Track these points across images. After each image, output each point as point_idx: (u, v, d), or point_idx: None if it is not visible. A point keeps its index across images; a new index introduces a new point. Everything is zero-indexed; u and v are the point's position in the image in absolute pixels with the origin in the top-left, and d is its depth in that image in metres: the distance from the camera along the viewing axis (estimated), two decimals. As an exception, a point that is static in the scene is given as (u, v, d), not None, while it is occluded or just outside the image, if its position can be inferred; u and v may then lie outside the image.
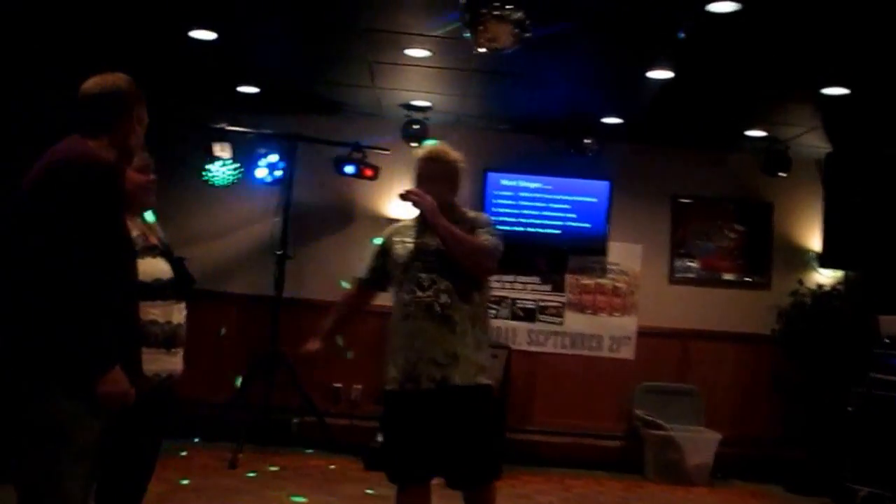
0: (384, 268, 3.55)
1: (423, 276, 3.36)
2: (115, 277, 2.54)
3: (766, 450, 6.73)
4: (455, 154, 3.53)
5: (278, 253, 6.58)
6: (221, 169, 6.54)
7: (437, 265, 3.36)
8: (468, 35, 3.60)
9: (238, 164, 6.58)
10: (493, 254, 3.43)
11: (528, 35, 3.60)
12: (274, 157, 6.61)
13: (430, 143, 3.59)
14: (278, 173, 6.64)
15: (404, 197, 3.42)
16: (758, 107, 5.99)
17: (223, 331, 6.90)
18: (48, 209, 2.43)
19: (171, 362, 3.18)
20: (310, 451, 6.55)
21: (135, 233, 3.07)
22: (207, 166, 6.53)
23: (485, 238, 3.41)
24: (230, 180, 6.61)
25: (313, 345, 3.62)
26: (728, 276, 7.20)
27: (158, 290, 3.10)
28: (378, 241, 3.68)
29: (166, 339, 3.12)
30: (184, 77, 6.20)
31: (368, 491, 5.51)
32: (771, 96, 5.67)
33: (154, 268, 3.12)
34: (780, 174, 6.80)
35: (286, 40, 5.26)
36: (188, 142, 6.56)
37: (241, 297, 6.94)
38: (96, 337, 2.43)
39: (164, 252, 3.25)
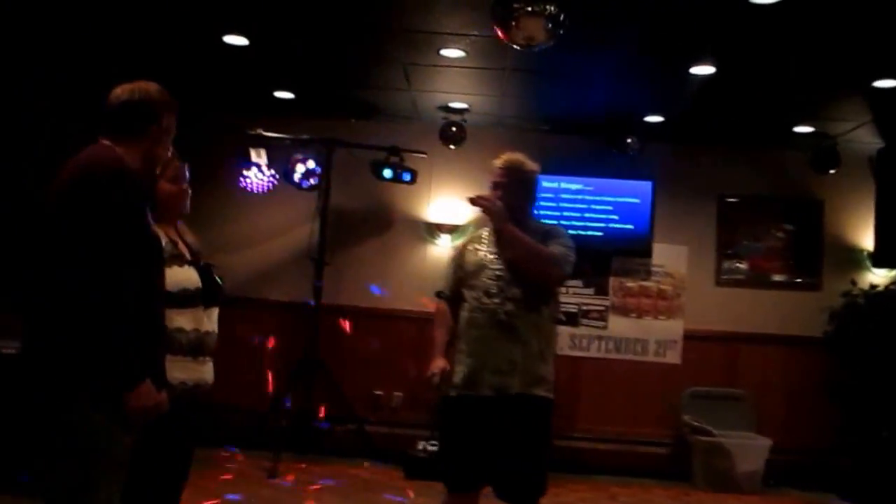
0: (460, 282, 3.55)
1: (492, 283, 3.39)
2: (140, 286, 2.48)
3: (819, 457, 6.49)
4: (532, 165, 3.54)
5: (315, 259, 6.55)
6: (258, 175, 6.53)
7: (506, 273, 3.38)
8: (500, 32, 3.51)
9: (275, 170, 6.55)
10: (561, 263, 3.41)
11: (561, 31, 3.49)
12: (311, 163, 6.56)
13: (508, 153, 3.56)
14: (315, 179, 6.60)
15: (473, 201, 3.44)
16: (805, 102, 5.79)
17: (256, 340, 6.88)
18: (72, 217, 2.39)
19: (199, 371, 3.13)
20: (350, 458, 6.50)
21: (163, 241, 3.04)
22: (245, 172, 6.52)
23: (554, 247, 3.40)
24: (267, 186, 6.60)
25: (439, 364, 3.47)
26: (777, 277, 6.99)
27: (184, 299, 3.05)
28: (453, 251, 3.75)
29: (193, 347, 3.07)
30: (220, 83, 6.21)
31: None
32: (819, 90, 5.48)
33: (180, 277, 3.07)
34: (830, 171, 6.61)
35: (319, 44, 5.21)
36: (225, 148, 6.58)
37: (280, 305, 6.91)
38: (123, 351, 2.38)
39: (193, 261, 3.21)
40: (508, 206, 3.41)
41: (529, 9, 3.41)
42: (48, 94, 6.09)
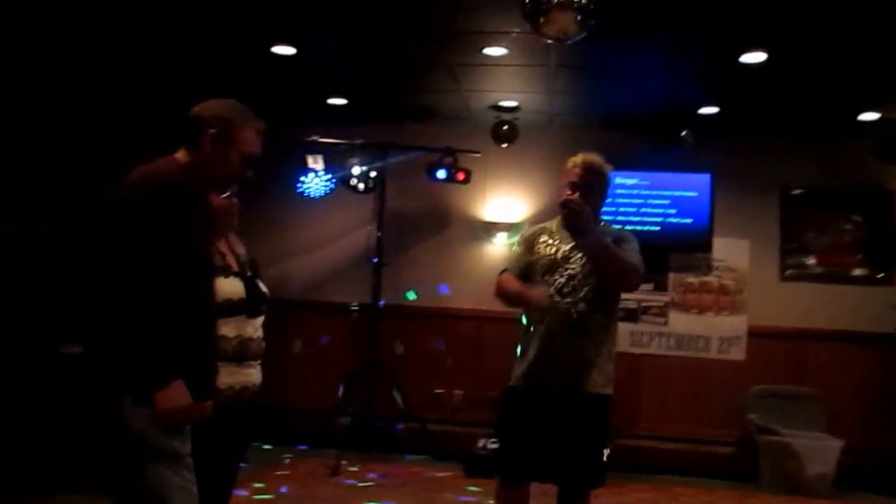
0: (528, 266, 3.54)
1: (564, 281, 3.41)
2: (185, 298, 2.56)
3: (895, 459, 6.23)
4: (608, 166, 3.55)
5: (374, 261, 6.63)
6: (315, 180, 6.67)
7: (580, 273, 3.41)
8: (532, 26, 3.48)
9: (331, 175, 6.66)
10: (640, 272, 3.44)
11: (593, 21, 3.43)
12: (366, 166, 6.65)
13: (584, 153, 3.53)
14: (371, 182, 6.68)
15: (565, 205, 3.39)
16: (871, 88, 5.54)
17: (298, 345, 6.99)
18: (120, 225, 2.48)
19: (244, 374, 3.25)
20: (411, 457, 6.55)
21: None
22: (302, 178, 6.67)
23: (631, 254, 3.43)
24: (325, 191, 6.72)
25: (539, 292, 3.41)
26: (846, 272, 6.72)
27: (228, 310, 3.17)
28: (516, 239, 3.74)
29: (236, 353, 3.21)
30: (272, 94, 6.33)
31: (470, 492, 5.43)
32: (884, 75, 5.23)
33: (225, 288, 3.19)
34: (900, 160, 6.32)
35: (364, 51, 5.27)
36: (282, 156, 6.68)
37: (341, 307, 7.00)
38: (153, 354, 2.46)
39: (239, 272, 3.32)
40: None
41: (557, 1, 3.36)
42: (101, 108, 6.34)
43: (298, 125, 6.70)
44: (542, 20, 3.45)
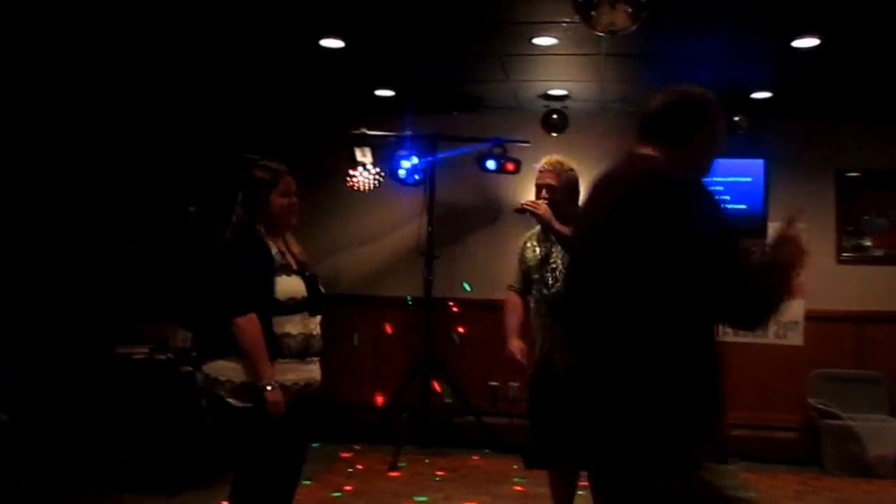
0: (524, 274, 3.96)
1: (549, 276, 3.79)
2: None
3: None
4: (571, 164, 3.91)
5: (425, 254, 6.64)
6: (364, 174, 6.63)
7: (561, 266, 3.73)
8: (582, 20, 3.45)
9: (380, 168, 6.65)
10: None
11: (645, 13, 3.40)
12: (415, 159, 6.63)
13: (548, 156, 3.98)
14: (420, 174, 6.67)
15: (521, 210, 3.81)
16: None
17: (356, 339, 7.02)
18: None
19: (307, 370, 3.29)
20: (469, 450, 6.56)
21: (273, 250, 3.23)
22: (351, 172, 6.64)
23: None
24: (374, 185, 6.71)
25: (516, 344, 3.91)
26: (906, 254, 6.59)
27: (292, 307, 3.22)
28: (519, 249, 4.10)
29: (300, 350, 3.24)
30: (320, 87, 6.34)
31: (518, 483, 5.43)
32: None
33: (288, 286, 3.24)
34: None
35: (413, 42, 5.26)
36: (331, 150, 6.74)
37: (394, 300, 7.03)
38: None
39: (299, 270, 3.35)
40: (555, 204, 3.73)
41: (610, -7, 3.34)
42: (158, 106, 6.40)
43: (345, 118, 6.69)
44: (593, 13, 3.43)
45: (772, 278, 2.23)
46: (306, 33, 5.06)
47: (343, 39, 5.15)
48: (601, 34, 3.62)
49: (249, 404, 3.08)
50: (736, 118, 6.23)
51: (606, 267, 2.16)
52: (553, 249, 3.81)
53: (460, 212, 7.07)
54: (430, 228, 6.67)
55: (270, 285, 3.16)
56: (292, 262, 3.36)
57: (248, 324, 3.08)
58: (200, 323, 4.40)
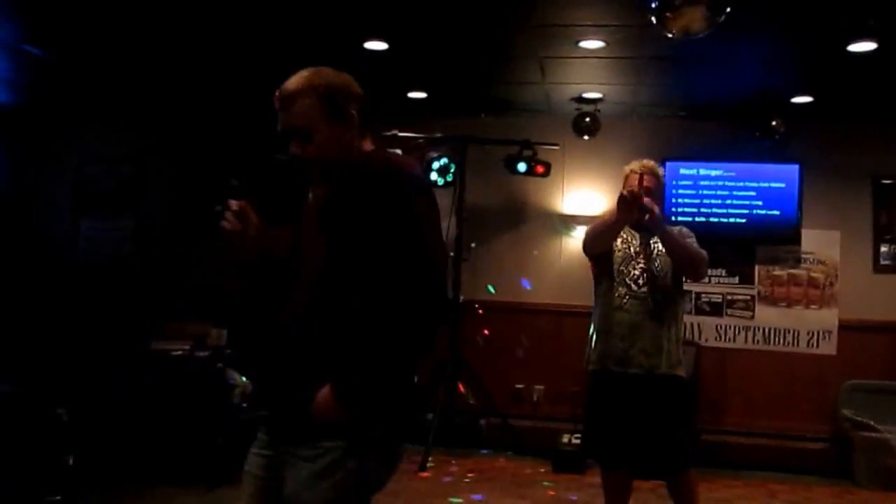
0: (606, 254, 3.80)
1: (638, 273, 3.71)
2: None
3: None
4: (662, 168, 3.91)
5: (453, 255, 6.56)
6: (395, 175, 6.56)
7: (653, 265, 3.71)
8: (657, 22, 3.38)
9: (410, 170, 6.58)
10: (707, 263, 3.81)
11: (721, 17, 3.33)
12: (445, 160, 6.58)
13: (642, 160, 3.83)
14: (450, 176, 6.61)
15: (640, 207, 3.60)
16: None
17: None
18: None
19: None
20: (495, 452, 6.49)
21: None
22: (381, 173, 6.57)
23: (697, 247, 3.77)
24: (404, 186, 6.64)
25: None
26: (945, 263, 6.53)
27: None
28: None
29: None
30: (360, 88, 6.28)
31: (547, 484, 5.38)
32: None
33: None
34: None
35: (456, 45, 5.22)
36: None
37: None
38: None
39: None
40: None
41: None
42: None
43: (377, 119, 6.61)
44: (668, 14, 3.36)
45: None
46: (352, 35, 5.02)
47: (387, 42, 5.11)
48: (672, 35, 3.53)
49: None
50: (773, 123, 6.18)
51: None
52: (645, 248, 3.74)
53: (489, 214, 7.02)
54: (458, 230, 6.60)
55: None
56: None
57: None
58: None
